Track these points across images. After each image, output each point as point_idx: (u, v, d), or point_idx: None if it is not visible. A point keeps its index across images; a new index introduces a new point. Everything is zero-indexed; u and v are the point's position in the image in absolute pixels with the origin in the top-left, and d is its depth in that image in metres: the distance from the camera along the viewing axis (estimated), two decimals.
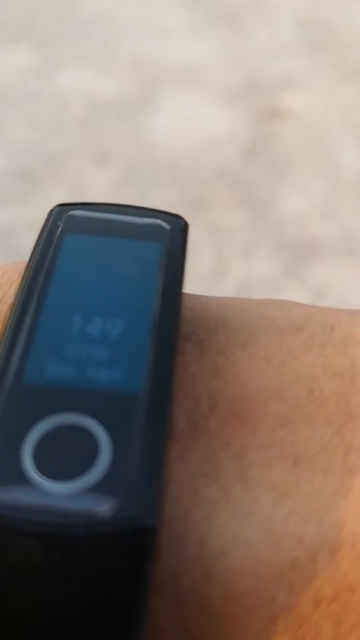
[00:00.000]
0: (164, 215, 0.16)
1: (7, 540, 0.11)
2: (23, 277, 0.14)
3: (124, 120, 1.44)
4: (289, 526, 0.12)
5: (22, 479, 0.11)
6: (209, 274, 1.09)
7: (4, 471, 0.11)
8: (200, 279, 1.08)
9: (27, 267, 0.15)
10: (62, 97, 1.52)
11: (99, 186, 1.28)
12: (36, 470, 0.11)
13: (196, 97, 1.50)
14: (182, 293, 0.15)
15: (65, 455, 0.12)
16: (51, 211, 0.16)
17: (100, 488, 0.11)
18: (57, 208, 0.16)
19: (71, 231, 0.15)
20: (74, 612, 0.11)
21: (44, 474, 0.11)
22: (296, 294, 1.06)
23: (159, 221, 0.16)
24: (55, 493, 0.11)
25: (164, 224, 0.16)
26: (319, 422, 0.13)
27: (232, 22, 1.69)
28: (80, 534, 0.11)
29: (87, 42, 1.65)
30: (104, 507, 0.11)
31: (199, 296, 0.16)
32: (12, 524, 0.11)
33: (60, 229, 0.15)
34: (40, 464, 0.11)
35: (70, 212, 0.16)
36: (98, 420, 0.12)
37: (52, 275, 0.14)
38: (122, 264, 0.15)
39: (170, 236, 0.15)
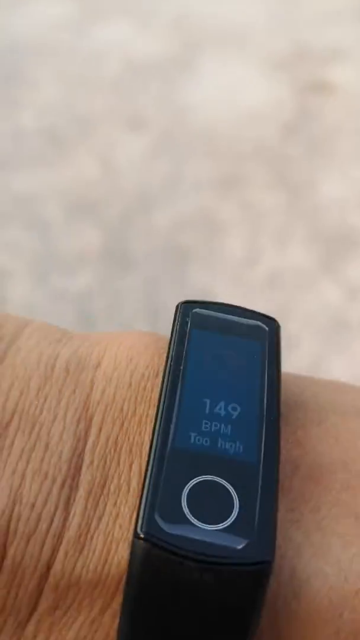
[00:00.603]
0: (262, 318, 0.20)
1: (175, 563, 0.16)
2: (166, 365, 0.19)
3: (161, 83, 1.37)
4: (353, 565, 0.17)
5: (184, 520, 0.16)
6: (240, 260, 1.03)
7: (172, 514, 0.16)
8: (231, 265, 1.02)
9: (167, 357, 0.19)
10: (97, 53, 1.44)
11: (131, 153, 1.22)
12: (191, 515, 0.16)
13: (238, 62, 1.42)
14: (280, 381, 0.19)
15: (209, 504, 0.16)
16: (178, 306, 0.20)
17: (236, 531, 0.16)
18: (183, 305, 0.20)
19: (196, 328, 0.20)
20: (214, 618, 0.16)
21: (197, 518, 0.16)
22: (328, 289, 1.00)
23: (259, 323, 0.20)
24: (208, 532, 0.16)
25: (264, 326, 0.20)
26: None
27: None
28: (226, 563, 0.16)
29: None
30: (241, 545, 0.16)
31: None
32: (180, 551, 0.16)
33: (189, 325, 0.20)
34: (194, 511, 0.16)
35: (194, 310, 0.20)
36: (230, 482, 0.16)
37: (187, 365, 0.19)
38: (235, 357, 0.19)
39: (269, 336, 0.20)
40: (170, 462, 0.17)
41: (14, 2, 1.55)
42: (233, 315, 0.20)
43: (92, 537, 0.17)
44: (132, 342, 0.20)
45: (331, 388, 0.21)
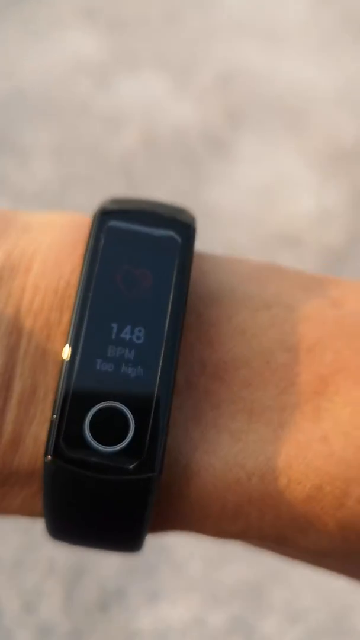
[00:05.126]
0: (177, 225, 0.21)
1: (76, 480, 0.20)
2: (78, 288, 0.21)
3: (185, 165, 1.08)
4: (237, 459, 0.21)
5: (85, 445, 0.19)
6: None
7: (75, 439, 0.20)
8: None
9: (80, 278, 0.21)
10: (116, 113, 1.16)
11: None
12: (92, 438, 0.20)
13: (285, 149, 1.12)
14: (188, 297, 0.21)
15: (108, 428, 0.20)
16: (94, 218, 0.21)
17: (129, 452, 0.19)
18: (100, 217, 0.21)
19: (109, 245, 0.21)
20: (115, 514, 0.20)
21: (97, 441, 0.19)
22: None
23: (172, 233, 0.21)
24: (105, 454, 0.19)
25: (176, 237, 0.21)
26: (270, 386, 0.21)
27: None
28: (118, 480, 0.19)
29: (167, 44, 1.28)
30: (132, 464, 0.19)
31: (213, 258, 0.23)
32: (80, 471, 0.19)
33: (102, 242, 0.21)
34: (95, 434, 0.19)
35: (110, 224, 0.21)
36: (128, 406, 0.20)
37: (97, 288, 0.21)
38: (145, 276, 0.21)
39: (180, 249, 0.21)
40: (76, 389, 0.20)
41: (37, 33, 1.27)
42: (148, 225, 0.21)
43: (24, 441, 0.20)
44: (61, 241, 0.21)
45: (250, 279, 0.22)
